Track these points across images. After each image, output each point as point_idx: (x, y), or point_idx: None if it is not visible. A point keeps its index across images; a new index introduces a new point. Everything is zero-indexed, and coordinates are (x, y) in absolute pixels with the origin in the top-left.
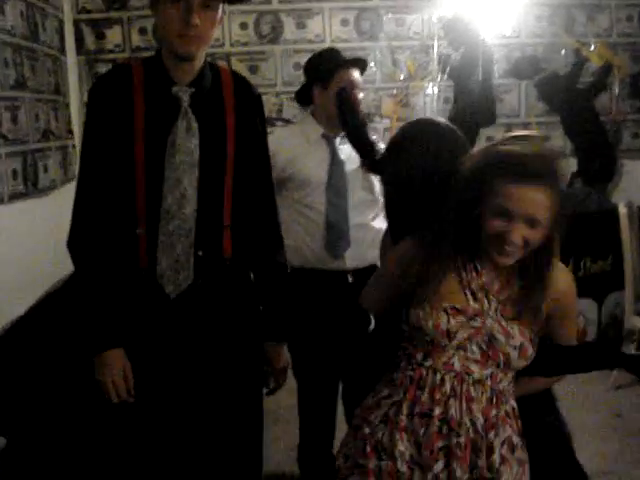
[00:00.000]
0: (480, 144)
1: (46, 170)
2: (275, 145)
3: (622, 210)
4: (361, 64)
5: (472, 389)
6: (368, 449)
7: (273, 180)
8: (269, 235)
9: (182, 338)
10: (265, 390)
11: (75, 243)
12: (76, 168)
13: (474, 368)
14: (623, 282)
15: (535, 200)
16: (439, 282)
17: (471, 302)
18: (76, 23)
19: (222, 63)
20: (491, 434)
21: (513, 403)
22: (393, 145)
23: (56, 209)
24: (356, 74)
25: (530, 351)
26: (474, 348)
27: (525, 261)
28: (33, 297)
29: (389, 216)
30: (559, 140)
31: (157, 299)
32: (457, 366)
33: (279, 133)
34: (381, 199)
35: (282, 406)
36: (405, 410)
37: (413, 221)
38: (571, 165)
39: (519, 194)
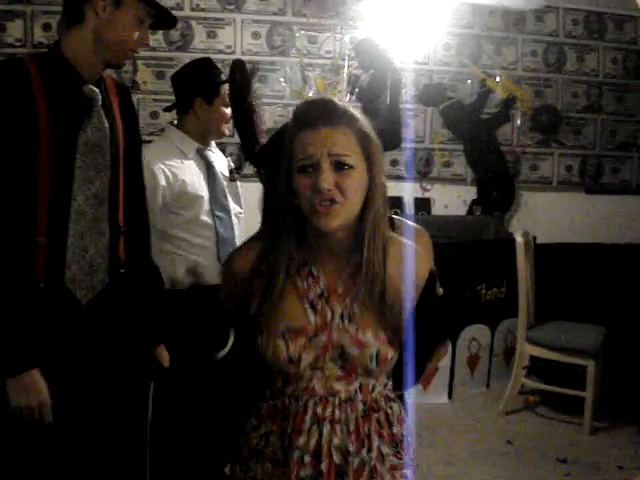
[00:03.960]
0: (384, 167)
1: None
2: (157, 164)
3: (518, 239)
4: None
5: (338, 411)
6: None
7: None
8: (147, 239)
9: (93, 345)
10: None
11: None
12: None
13: (339, 387)
14: (516, 309)
15: (328, 138)
16: (276, 296)
17: (311, 317)
18: None
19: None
20: (363, 452)
21: (387, 406)
22: (273, 137)
23: None
24: None
25: (390, 355)
26: (331, 365)
27: (358, 237)
28: None
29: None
30: (461, 167)
31: (66, 307)
32: (319, 389)
33: (153, 151)
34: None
35: None
36: (275, 442)
37: None
38: (471, 193)
39: (309, 138)
